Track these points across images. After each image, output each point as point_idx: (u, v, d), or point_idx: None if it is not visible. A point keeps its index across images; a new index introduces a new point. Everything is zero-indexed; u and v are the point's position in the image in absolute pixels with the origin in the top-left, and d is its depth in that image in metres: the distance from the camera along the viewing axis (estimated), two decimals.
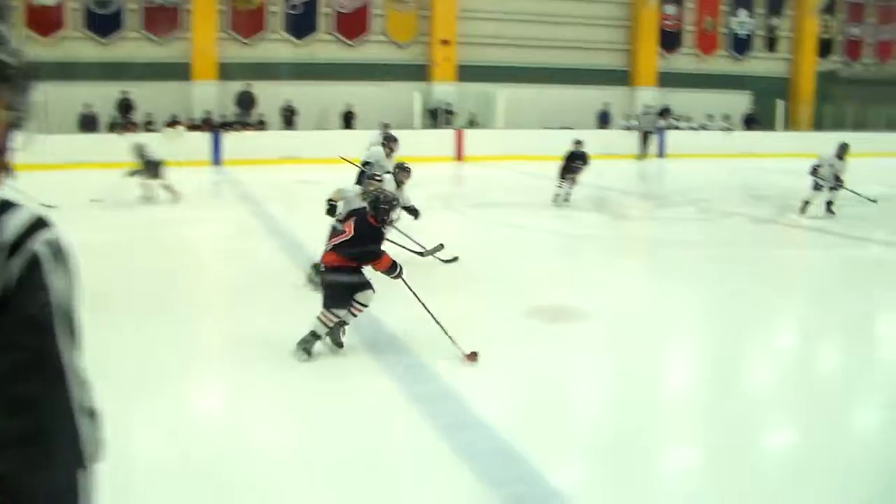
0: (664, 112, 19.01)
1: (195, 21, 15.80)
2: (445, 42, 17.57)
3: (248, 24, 16.45)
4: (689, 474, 2.94)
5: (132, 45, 15.61)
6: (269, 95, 15.87)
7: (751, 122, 19.82)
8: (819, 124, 20.60)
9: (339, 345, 3.98)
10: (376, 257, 3.90)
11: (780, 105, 19.87)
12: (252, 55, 16.34)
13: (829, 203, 9.13)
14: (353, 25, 17.27)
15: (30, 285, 0.71)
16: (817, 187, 9.12)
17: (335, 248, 3.94)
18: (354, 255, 3.86)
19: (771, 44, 21.17)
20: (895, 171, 15.81)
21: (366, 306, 3.98)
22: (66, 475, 0.72)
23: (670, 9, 19.93)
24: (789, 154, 17.71)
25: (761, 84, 20.52)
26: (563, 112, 17.66)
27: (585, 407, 3.56)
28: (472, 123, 16.74)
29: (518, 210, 9.76)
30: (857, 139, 17.42)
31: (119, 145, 13.45)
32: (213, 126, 15.02)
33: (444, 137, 16.03)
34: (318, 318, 3.86)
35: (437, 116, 16.96)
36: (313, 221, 6.66)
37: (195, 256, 7.20)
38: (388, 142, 7.09)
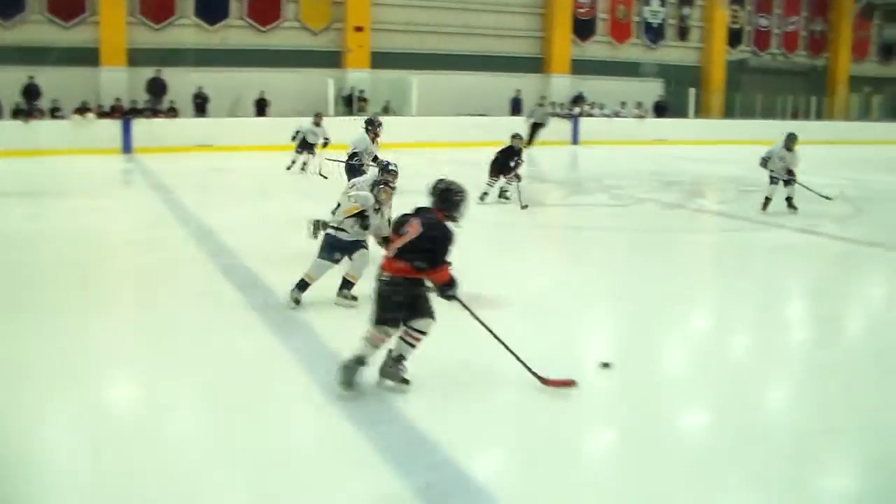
0: (577, 99, 22.03)
1: (102, 4, 17.67)
2: (359, 29, 19.99)
3: (157, 8, 18.44)
4: (605, 457, 3.34)
5: (36, 29, 17.36)
6: (180, 82, 17.90)
7: (663, 110, 23.11)
8: (729, 112, 24.14)
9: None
10: (441, 265, 3.60)
11: (691, 93, 23.23)
12: (162, 41, 18.34)
13: (789, 199, 9.55)
14: (265, 11, 19.50)
15: None
16: (773, 181, 9.55)
17: (401, 253, 3.59)
18: (421, 261, 3.56)
19: (683, 33, 24.58)
20: (801, 159, 19.14)
21: (425, 335, 3.69)
22: None
23: None
24: (700, 141, 21.03)
25: (673, 72, 23.92)
26: (478, 99, 20.39)
27: (500, 393, 3.79)
28: (386, 111, 19.22)
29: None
30: (765, 127, 21.17)
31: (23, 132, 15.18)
32: (122, 113, 16.97)
33: (358, 125, 18.45)
34: (367, 338, 3.64)
35: (351, 104, 19.38)
36: (225, 209, 8.28)
37: (105, 247, 7.63)
38: (373, 126, 7.42)
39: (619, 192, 12.11)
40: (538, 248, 8.23)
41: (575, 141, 20.68)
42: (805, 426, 3.60)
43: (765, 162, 9.60)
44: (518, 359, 3.79)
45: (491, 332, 3.82)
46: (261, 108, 18.81)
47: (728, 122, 23.07)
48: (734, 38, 25.37)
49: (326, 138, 12.59)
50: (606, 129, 20.79)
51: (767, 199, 9.59)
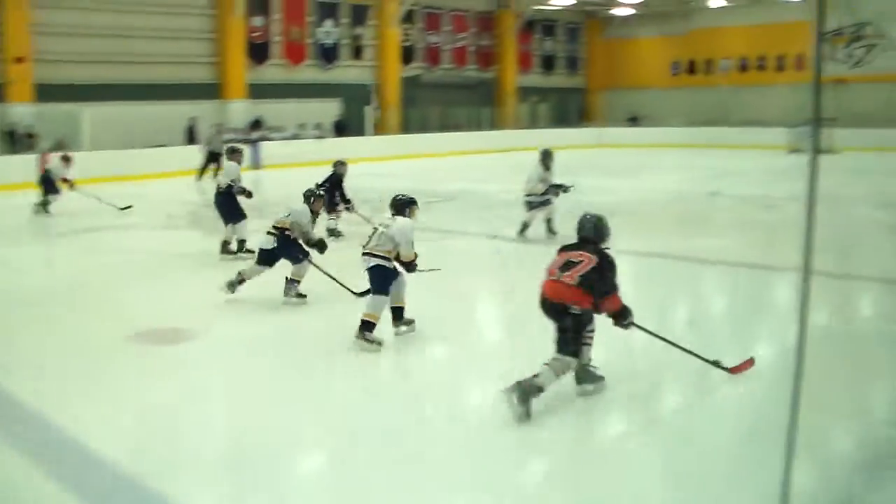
0: (256, 123, 28.93)
1: None
2: (20, 60, 24.68)
3: None
4: (319, 480, 4.79)
5: None
6: None
7: (342, 129, 30.99)
8: (406, 127, 32.81)
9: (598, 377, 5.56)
10: (613, 293, 5.12)
11: (368, 111, 31.38)
12: None
13: (548, 221, 11.76)
14: None
15: None
16: (532, 207, 11.67)
17: (582, 283, 5.01)
18: (600, 290, 5.04)
19: (357, 52, 32.84)
20: (476, 168, 26.24)
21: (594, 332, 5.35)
22: None
23: (257, 20, 30.00)
24: (380, 157, 28.77)
25: (350, 91, 32.00)
26: (154, 129, 26.12)
27: (202, 425, 5.16)
28: (60, 146, 24.09)
29: (117, 233, 13.89)
30: (441, 139, 29.86)
31: None
32: None
33: (27, 163, 23.08)
34: (553, 367, 5.05)
35: (14, 140, 23.62)
36: None
37: None
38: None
39: None
40: (227, 274, 9.43)
41: (257, 166, 26.78)
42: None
43: (544, 189, 11.66)
44: (703, 359, 5.64)
45: (664, 339, 5.68)
46: None
47: (406, 137, 31.61)
48: (407, 55, 34.27)
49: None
50: (288, 151, 26.99)
51: (525, 225, 11.89)
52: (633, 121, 38.85)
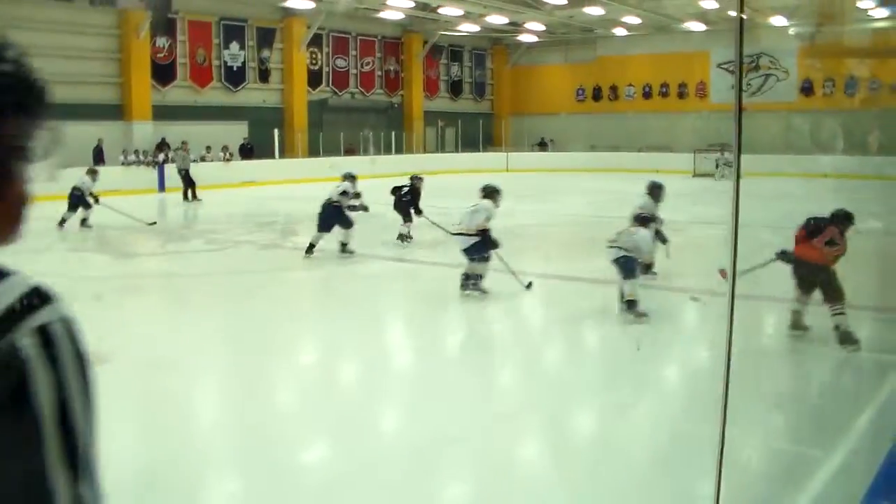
0: (161, 145, 30.12)
1: None
2: None
3: None
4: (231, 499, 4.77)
5: None
6: None
7: (248, 152, 32.54)
8: (314, 151, 34.50)
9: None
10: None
11: (276, 134, 32.96)
12: None
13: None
14: None
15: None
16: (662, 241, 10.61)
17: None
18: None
19: (264, 75, 34.40)
20: (380, 190, 27.36)
21: None
22: None
23: (162, 41, 31.22)
24: (287, 181, 30.13)
25: (257, 114, 33.48)
26: (60, 151, 27.34)
27: (120, 451, 4.97)
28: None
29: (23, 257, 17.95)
30: (349, 163, 31.58)
31: None
32: None
33: None
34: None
35: None
36: None
37: None
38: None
39: (214, 236, 15.84)
40: (137, 298, 10.34)
41: (162, 188, 27.77)
42: (422, 440, 5.41)
43: (644, 221, 10.15)
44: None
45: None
46: None
47: (312, 161, 33.15)
48: (314, 79, 35.77)
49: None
50: (194, 173, 27.30)
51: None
52: (542, 145, 41.20)
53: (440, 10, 34.47)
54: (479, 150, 40.69)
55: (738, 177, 3.09)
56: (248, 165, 31.10)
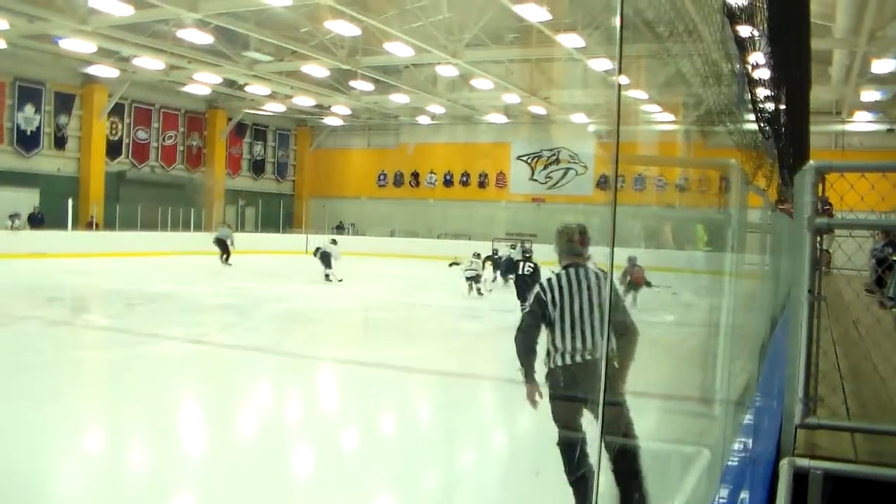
0: None
1: None
2: None
3: None
4: None
5: None
6: None
7: (38, 221, 31.88)
8: (111, 223, 34.24)
9: None
10: None
11: (69, 204, 32.49)
12: None
13: None
14: None
15: None
16: None
17: None
18: None
19: (60, 142, 34.06)
20: (178, 269, 27.76)
21: None
22: None
23: None
24: (81, 254, 29.71)
25: (50, 182, 33.00)
26: None
27: None
28: None
29: None
30: (144, 238, 31.62)
31: None
32: None
33: None
34: None
35: None
36: None
37: None
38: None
39: None
40: None
41: None
42: None
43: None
44: None
45: None
46: None
47: (108, 234, 33.00)
48: (113, 149, 35.63)
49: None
50: None
51: None
52: (339, 228, 42.63)
53: (247, 88, 35.46)
54: (279, 231, 41.50)
55: (612, 265, 3.06)
56: (37, 235, 30.38)
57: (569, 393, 5.19)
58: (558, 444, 5.15)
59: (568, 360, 5.10)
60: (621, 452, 4.90)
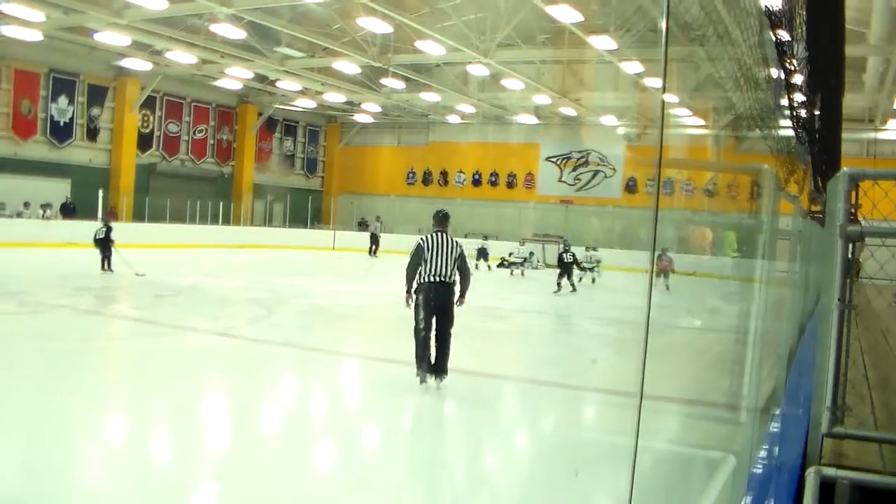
0: None
1: None
2: None
3: None
4: None
5: None
6: None
7: (70, 211, 32.20)
8: (140, 215, 34.56)
9: None
10: None
11: (100, 195, 32.79)
12: None
13: None
14: None
15: None
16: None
17: None
18: None
19: (92, 134, 34.43)
20: (206, 261, 27.86)
21: None
22: None
23: None
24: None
25: (82, 173, 33.36)
26: None
27: None
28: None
29: None
30: (173, 230, 31.90)
31: None
32: None
33: None
34: None
35: None
36: None
37: None
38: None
39: (27, 298, 15.43)
40: None
41: None
42: None
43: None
44: None
45: None
46: None
47: (138, 225, 33.26)
48: (144, 142, 35.97)
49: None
50: (8, 230, 27.42)
51: None
52: (363, 225, 42.71)
53: (278, 84, 35.64)
54: (306, 227, 41.69)
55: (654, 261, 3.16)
56: (68, 225, 30.53)
57: (428, 299, 9.32)
58: (414, 329, 9.40)
59: (431, 279, 9.29)
60: (440, 322, 9.39)
